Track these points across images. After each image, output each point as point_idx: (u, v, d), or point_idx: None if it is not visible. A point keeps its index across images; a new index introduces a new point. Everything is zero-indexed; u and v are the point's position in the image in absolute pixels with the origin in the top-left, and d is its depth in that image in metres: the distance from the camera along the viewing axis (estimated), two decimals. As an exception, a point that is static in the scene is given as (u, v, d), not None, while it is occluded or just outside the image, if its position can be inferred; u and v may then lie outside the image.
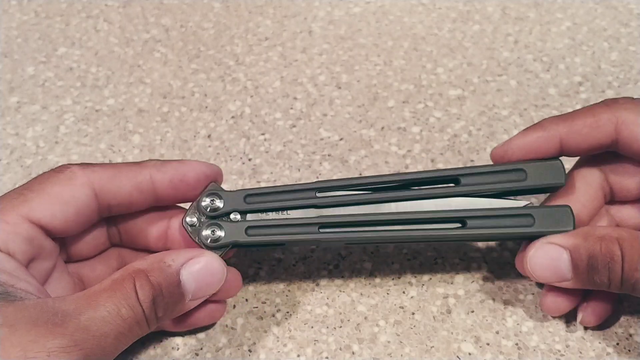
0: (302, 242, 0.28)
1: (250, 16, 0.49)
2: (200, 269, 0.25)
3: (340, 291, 0.31)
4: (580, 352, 0.29)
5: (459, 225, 0.28)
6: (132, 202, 0.27)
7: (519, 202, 0.28)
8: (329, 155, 0.38)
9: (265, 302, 0.31)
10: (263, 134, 0.40)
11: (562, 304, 0.28)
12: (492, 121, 0.39)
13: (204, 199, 0.27)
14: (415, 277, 0.32)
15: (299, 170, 0.37)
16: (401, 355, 0.29)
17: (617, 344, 0.29)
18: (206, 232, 0.27)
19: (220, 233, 0.27)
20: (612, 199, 0.30)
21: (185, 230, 0.27)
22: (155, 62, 0.45)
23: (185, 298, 0.25)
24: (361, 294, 0.31)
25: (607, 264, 0.25)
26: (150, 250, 0.29)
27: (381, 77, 0.43)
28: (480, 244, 0.33)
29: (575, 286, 0.27)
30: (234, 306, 0.31)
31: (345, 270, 0.32)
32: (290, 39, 0.46)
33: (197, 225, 0.27)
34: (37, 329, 0.21)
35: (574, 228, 0.27)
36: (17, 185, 0.37)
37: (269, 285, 0.32)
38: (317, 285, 0.32)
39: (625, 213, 0.30)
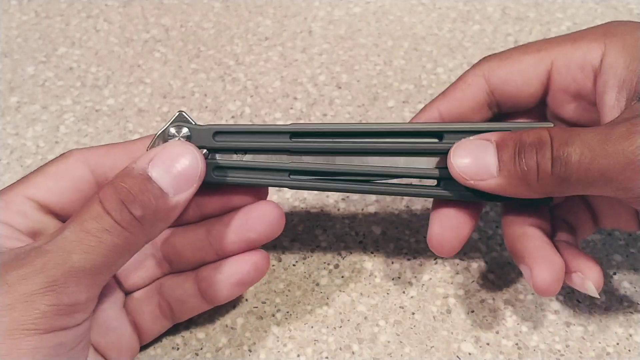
0: (272, 186, 0.27)
1: (250, 16, 0.49)
2: (166, 157, 0.24)
3: (340, 291, 0.31)
4: (580, 352, 0.29)
5: (434, 184, 0.27)
6: None
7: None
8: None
9: (265, 302, 0.31)
10: (263, 134, 0.40)
11: (449, 235, 0.27)
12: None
13: (169, 128, 0.26)
14: (415, 277, 0.32)
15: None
16: (401, 355, 0.29)
17: (617, 344, 0.29)
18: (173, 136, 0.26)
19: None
20: (500, 110, 0.29)
21: None
22: (155, 62, 0.45)
23: (165, 193, 0.24)
24: (361, 294, 0.31)
25: (534, 146, 0.24)
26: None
27: (381, 77, 0.43)
28: (480, 244, 0.33)
29: (502, 184, 0.25)
30: (234, 306, 0.31)
31: (345, 270, 0.32)
32: (290, 39, 0.46)
33: None
34: (1, 268, 0.21)
35: None
36: (17, 185, 0.37)
37: (269, 285, 0.32)
38: (317, 285, 0.32)
39: None
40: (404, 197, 0.35)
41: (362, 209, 0.35)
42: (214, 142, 0.26)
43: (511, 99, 0.28)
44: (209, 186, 0.26)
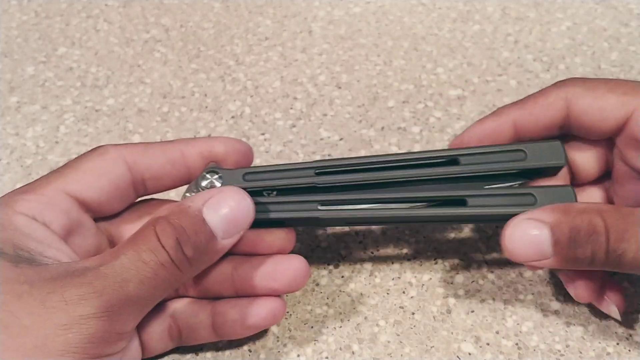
0: (302, 220, 0.28)
1: (250, 16, 0.49)
2: (221, 202, 0.24)
3: (340, 291, 0.31)
4: (580, 352, 0.29)
5: (459, 205, 0.27)
6: (165, 175, 0.28)
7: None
8: (329, 155, 0.38)
9: (265, 302, 0.31)
10: (263, 134, 0.40)
11: (586, 289, 0.28)
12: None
13: (203, 175, 0.27)
14: (415, 277, 0.32)
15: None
16: (401, 355, 0.29)
17: (617, 344, 0.29)
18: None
19: None
20: (573, 182, 0.30)
21: None
22: (155, 62, 0.45)
23: (215, 236, 0.24)
24: (361, 294, 0.31)
25: (589, 236, 0.24)
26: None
27: (381, 77, 0.43)
28: (480, 244, 0.33)
29: (556, 264, 0.25)
30: (234, 306, 0.31)
31: (345, 270, 0.32)
32: (290, 39, 0.46)
33: None
34: (55, 282, 0.21)
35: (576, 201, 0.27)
36: (17, 185, 0.37)
37: (269, 285, 0.32)
38: (317, 285, 0.32)
39: (587, 195, 0.30)
40: None
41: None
42: (245, 182, 0.28)
43: (584, 129, 0.28)
44: None
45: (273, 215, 0.27)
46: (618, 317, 0.29)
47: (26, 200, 0.24)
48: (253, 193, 0.27)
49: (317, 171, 0.28)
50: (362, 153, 0.38)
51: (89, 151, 0.27)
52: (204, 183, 0.27)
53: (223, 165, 0.28)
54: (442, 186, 0.28)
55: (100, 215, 0.27)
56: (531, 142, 0.28)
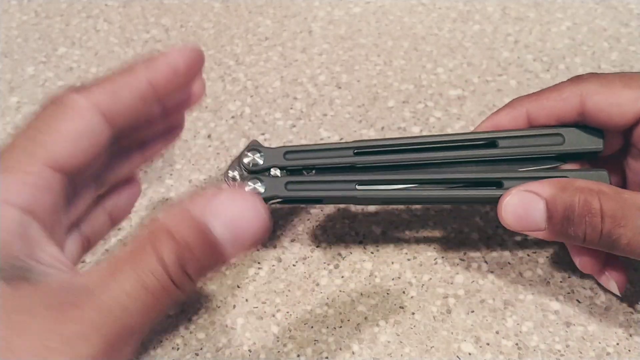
0: (339, 199, 0.28)
1: (250, 16, 0.49)
2: (233, 213, 0.21)
3: (340, 291, 0.31)
4: (580, 352, 0.29)
5: (495, 187, 0.28)
6: (139, 113, 0.24)
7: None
8: (329, 155, 0.38)
9: (265, 302, 0.31)
10: (263, 134, 0.40)
11: (589, 262, 0.29)
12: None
13: (245, 153, 0.28)
14: (415, 277, 0.32)
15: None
16: (401, 355, 0.29)
17: (617, 344, 0.29)
18: (247, 186, 0.27)
19: (260, 188, 0.27)
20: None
21: (228, 184, 0.28)
22: (155, 62, 0.45)
23: (221, 247, 0.21)
24: (361, 294, 0.31)
25: (584, 216, 0.24)
26: None
27: (381, 77, 0.43)
28: (481, 244, 0.33)
29: (548, 237, 0.26)
30: (234, 306, 0.31)
31: (345, 270, 0.32)
32: (290, 39, 0.46)
33: (239, 179, 0.28)
34: (53, 313, 0.19)
35: None
36: (17, 185, 0.37)
37: (269, 285, 0.32)
38: (317, 285, 0.32)
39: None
40: None
41: (362, 209, 0.35)
42: (285, 160, 0.28)
43: (601, 123, 0.28)
44: (283, 201, 0.28)
45: (312, 193, 0.28)
46: (617, 292, 0.29)
47: (12, 184, 0.21)
48: (293, 171, 0.28)
49: (355, 151, 0.28)
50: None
51: (54, 104, 0.22)
52: (246, 160, 0.28)
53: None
54: (479, 168, 0.28)
55: (79, 175, 0.23)
56: (569, 126, 0.28)
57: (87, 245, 0.26)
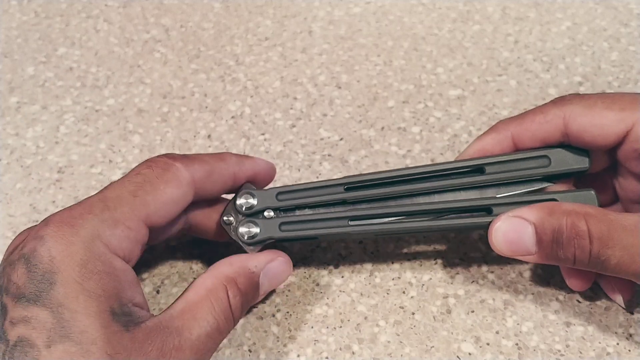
0: (333, 235, 0.29)
1: (250, 16, 0.49)
2: (276, 271, 0.28)
3: (340, 291, 0.31)
4: (580, 352, 0.29)
5: (485, 213, 0.28)
6: (214, 195, 0.29)
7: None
8: (329, 155, 0.38)
9: (265, 302, 0.31)
10: (263, 134, 0.40)
11: (580, 283, 0.30)
12: (492, 121, 0.39)
13: (239, 198, 0.29)
14: (415, 277, 0.32)
15: (299, 170, 0.37)
16: (401, 355, 0.29)
17: (617, 344, 0.29)
18: (243, 230, 0.28)
19: (255, 230, 0.28)
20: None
21: (224, 228, 0.28)
22: (155, 62, 0.45)
23: (259, 297, 0.28)
24: (361, 294, 0.31)
25: (572, 239, 0.25)
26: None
27: (381, 77, 0.43)
28: (480, 244, 0.33)
29: (540, 260, 0.27)
30: (234, 306, 0.31)
31: (345, 270, 0.32)
32: (290, 39, 0.46)
33: (234, 223, 0.28)
34: (165, 357, 0.23)
35: (599, 203, 0.28)
36: (17, 186, 0.37)
37: (269, 285, 0.32)
38: (317, 285, 0.32)
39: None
40: None
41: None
42: (278, 201, 0.29)
43: (584, 144, 0.28)
44: (278, 241, 0.29)
45: (305, 232, 0.28)
46: (622, 304, 0.30)
47: (117, 237, 0.24)
48: (286, 210, 0.29)
49: (346, 187, 0.29)
50: (362, 153, 0.38)
51: (159, 167, 0.26)
52: (239, 203, 0.28)
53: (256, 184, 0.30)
54: (467, 194, 0.29)
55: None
56: (555, 147, 0.29)
57: None
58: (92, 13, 0.50)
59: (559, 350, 0.29)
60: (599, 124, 0.27)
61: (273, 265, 0.28)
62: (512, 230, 0.26)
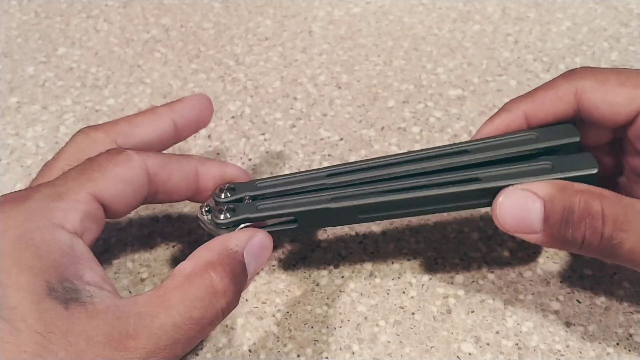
0: (313, 213, 0.27)
1: (250, 16, 0.49)
2: (260, 246, 0.26)
3: (340, 291, 0.31)
4: (580, 352, 0.29)
5: (473, 182, 0.27)
6: (176, 192, 0.28)
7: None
8: (329, 155, 0.38)
9: (265, 302, 0.31)
10: (263, 134, 0.40)
11: None
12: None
13: (217, 190, 0.28)
14: (415, 277, 0.32)
15: (299, 170, 0.37)
16: (401, 355, 0.29)
17: (617, 344, 0.29)
18: (219, 215, 0.27)
19: (231, 214, 0.27)
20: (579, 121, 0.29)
21: (199, 219, 0.28)
22: (155, 62, 0.45)
23: (248, 279, 0.25)
24: (361, 294, 0.31)
25: (583, 218, 0.23)
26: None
27: (381, 77, 0.43)
28: (480, 244, 0.33)
29: (544, 242, 0.25)
30: (234, 306, 0.31)
31: (345, 270, 0.32)
32: (290, 39, 0.46)
33: (211, 214, 0.28)
34: (112, 343, 0.20)
35: (598, 170, 0.26)
36: (17, 186, 0.37)
37: (269, 285, 0.32)
38: (317, 285, 0.32)
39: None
40: None
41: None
42: (257, 190, 0.28)
43: (594, 121, 0.27)
44: (254, 221, 0.28)
45: (283, 210, 0.27)
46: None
47: (62, 209, 0.22)
48: (265, 198, 0.28)
49: (328, 174, 0.28)
50: (362, 153, 0.38)
51: (110, 153, 0.25)
52: (217, 194, 0.28)
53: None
54: (453, 173, 0.27)
55: (111, 217, 0.27)
56: (541, 126, 0.28)
57: None
58: (92, 13, 0.50)
59: (559, 350, 0.29)
60: (611, 102, 0.26)
61: (254, 241, 0.26)
62: (518, 204, 0.24)
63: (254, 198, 0.28)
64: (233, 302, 0.24)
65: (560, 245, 0.25)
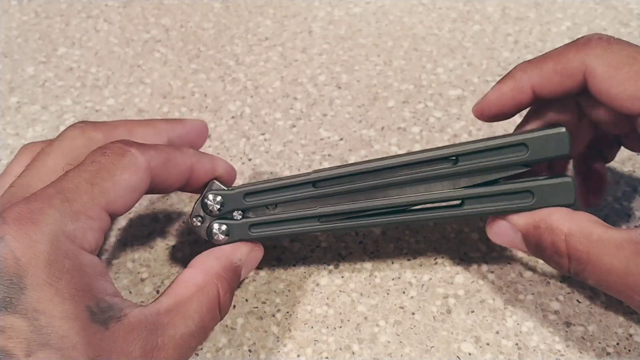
0: (304, 234, 0.29)
1: (250, 16, 0.49)
2: (254, 260, 0.29)
3: (340, 291, 0.31)
4: (580, 352, 0.29)
5: (457, 204, 0.28)
6: (169, 186, 0.28)
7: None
8: (329, 155, 0.38)
9: (265, 302, 0.31)
10: (263, 134, 0.40)
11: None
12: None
13: (206, 198, 0.28)
14: (415, 277, 0.32)
15: (299, 170, 0.37)
16: (401, 355, 0.29)
17: (617, 344, 0.29)
18: (213, 230, 0.28)
19: (225, 229, 0.28)
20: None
21: (194, 229, 0.28)
22: (155, 62, 0.45)
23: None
24: (361, 294, 0.31)
25: (552, 255, 0.26)
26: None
27: (381, 77, 0.43)
28: (480, 244, 0.33)
29: (534, 255, 0.28)
30: (234, 306, 0.31)
31: (345, 270, 0.32)
32: (290, 39, 0.46)
33: (203, 222, 0.28)
34: (147, 356, 0.22)
35: (575, 202, 0.26)
36: (17, 185, 0.37)
37: (269, 285, 0.32)
38: (317, 285, 0.32)
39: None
40: None
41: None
42: (245, 202, 0.28)
43: (602, 104, 0.26)
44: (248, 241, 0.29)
45: (277, 232, 0.29)
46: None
47: (81, 230, 0.22)
48: (255, 208, 0.29)
49: (315, 182, 0.28)
50: (362, 153, 0.38)
51: (115, 153, 0.25)
52: (208, 202, 0.28)
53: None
54: (441, 184, 0.28)
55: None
56: (533, 132, 0.27)
57: None
58: (92, 13, 0.50)
59: (559, 350, 0.29)
60: (620, 94, 0.25)
61: (252, 256, 0.29)
62: (503, 232, 0.28)
63: (244, 212, 0.28)
64: (226, 313, 0.26)
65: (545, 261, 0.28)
